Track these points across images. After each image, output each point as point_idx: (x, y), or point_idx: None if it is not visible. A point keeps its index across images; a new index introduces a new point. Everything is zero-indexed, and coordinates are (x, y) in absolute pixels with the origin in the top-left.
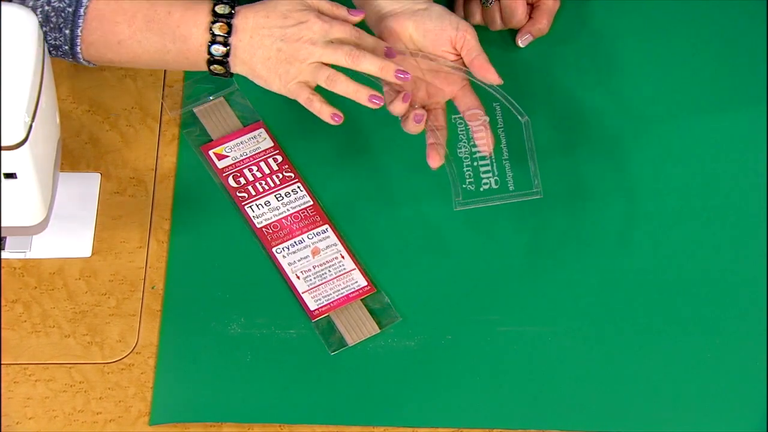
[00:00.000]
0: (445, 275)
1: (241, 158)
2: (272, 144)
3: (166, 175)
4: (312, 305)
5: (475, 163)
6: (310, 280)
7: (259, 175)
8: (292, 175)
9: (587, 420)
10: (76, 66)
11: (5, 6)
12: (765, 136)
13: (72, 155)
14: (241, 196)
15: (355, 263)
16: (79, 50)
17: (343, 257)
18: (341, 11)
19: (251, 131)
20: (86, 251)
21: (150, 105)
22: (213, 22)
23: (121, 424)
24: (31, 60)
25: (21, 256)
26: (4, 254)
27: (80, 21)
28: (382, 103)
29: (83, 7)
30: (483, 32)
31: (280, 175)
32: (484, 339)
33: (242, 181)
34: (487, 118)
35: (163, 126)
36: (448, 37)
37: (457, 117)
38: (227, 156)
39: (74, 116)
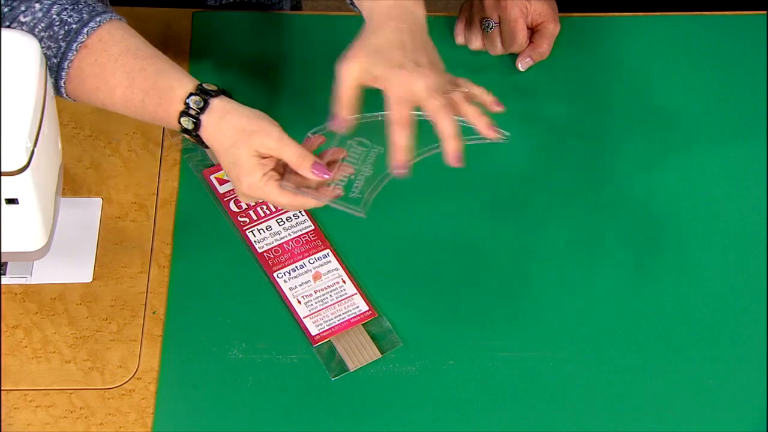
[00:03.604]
0: (446, 300)
1: None
2: None
3: (167, 200)
4: (313, 330)
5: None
6: (312, 304)
7: None
8: None
9: None
10: None
11: (7, 32)
12: (765, 162)
13: (74, 180)
14: (242, 221)
15: (356, 288)
16: (63, 92)
17: (344, 282)
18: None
19: None
20: (87, 276)
21: (151, 130)
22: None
23: None
24: (33, 85)
25: (22, 281)
26: (6, 279)
27: (63, 73)
28: None
29: (67, 61)
30: (483, 57)
31: None
32: (486, 364)
33: (243, 205)
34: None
35: (164, 151)
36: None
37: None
38: (228, 180)
39: (76, 141)
